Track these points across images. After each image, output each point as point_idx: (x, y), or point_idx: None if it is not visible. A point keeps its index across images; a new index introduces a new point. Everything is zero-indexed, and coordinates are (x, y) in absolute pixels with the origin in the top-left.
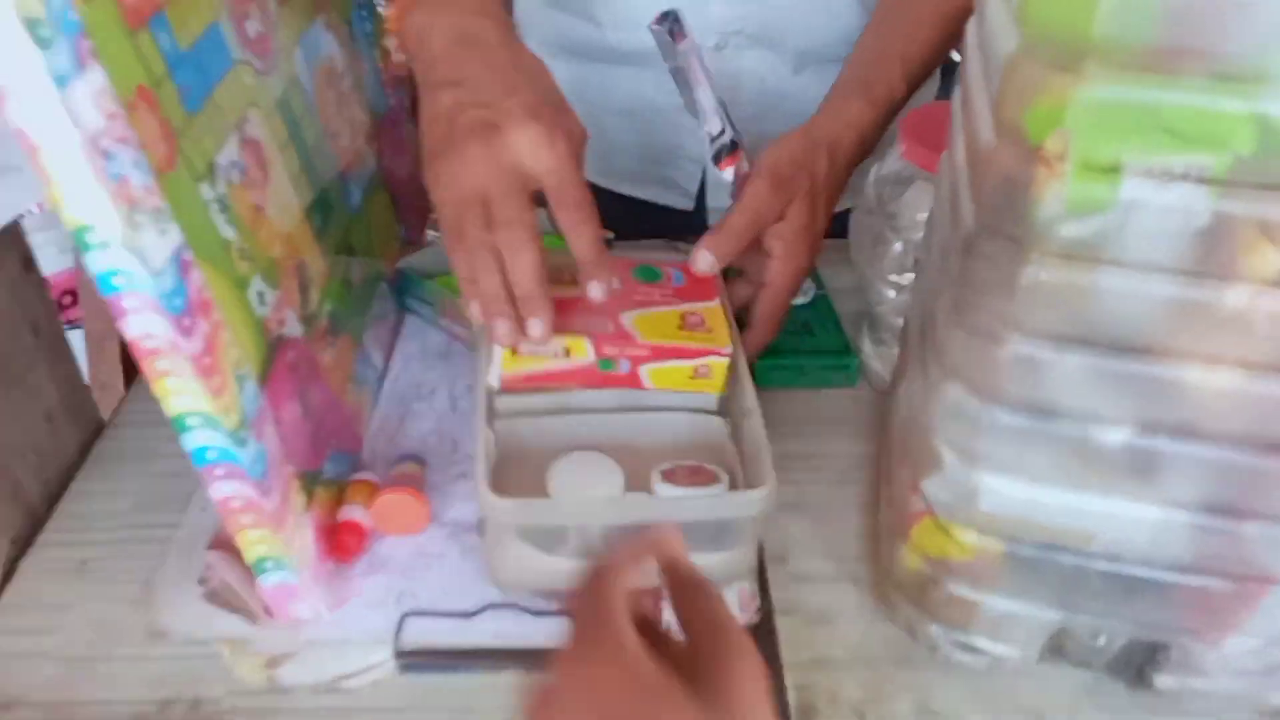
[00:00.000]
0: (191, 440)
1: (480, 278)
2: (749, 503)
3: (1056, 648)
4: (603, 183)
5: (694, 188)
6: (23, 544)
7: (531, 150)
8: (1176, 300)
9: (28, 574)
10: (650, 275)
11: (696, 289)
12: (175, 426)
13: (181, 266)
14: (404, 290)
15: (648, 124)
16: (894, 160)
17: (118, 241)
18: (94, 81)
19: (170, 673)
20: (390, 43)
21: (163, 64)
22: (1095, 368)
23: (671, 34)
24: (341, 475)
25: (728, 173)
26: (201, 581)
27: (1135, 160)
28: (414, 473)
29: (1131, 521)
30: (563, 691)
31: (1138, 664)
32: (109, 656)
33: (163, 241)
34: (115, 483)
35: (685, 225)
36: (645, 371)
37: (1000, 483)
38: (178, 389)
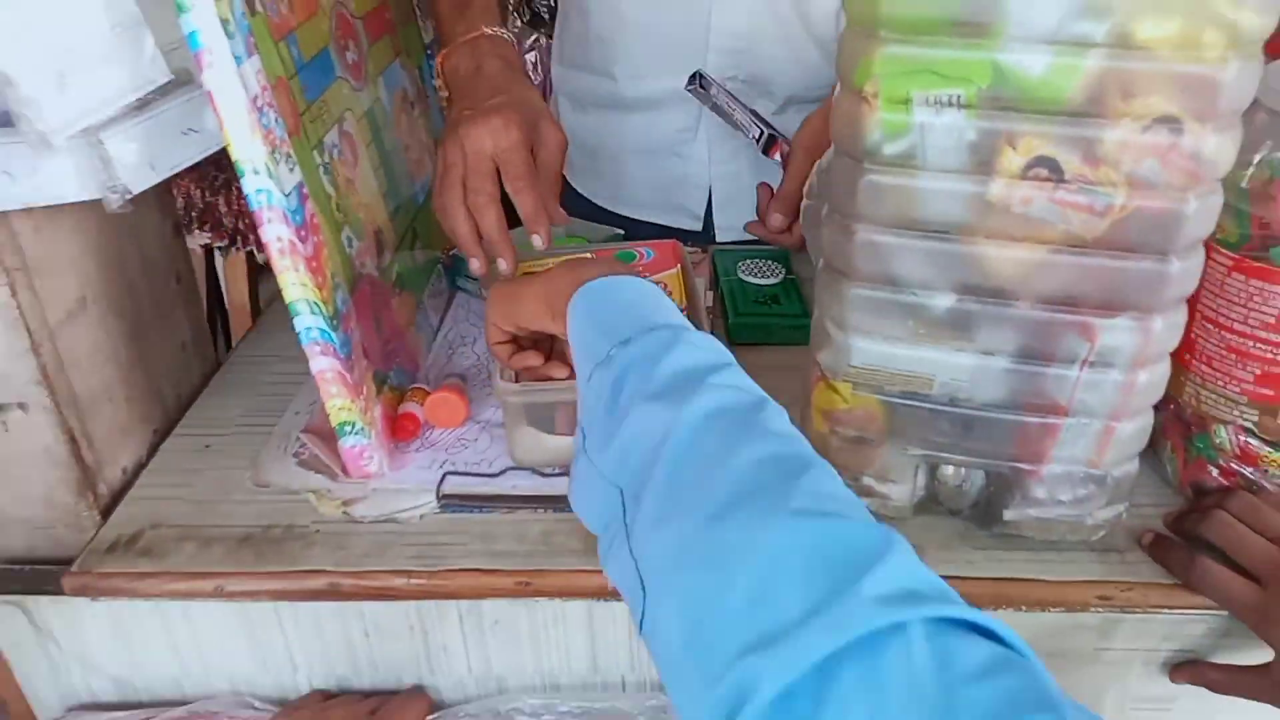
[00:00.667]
0: (301, 322)
1: (458, 229)
2: None
3: (932, 497)
4: (625, 211)
5: (701, 211)
6: (163, 434)
7: (490, 136)
8: (963, 193)
9: (167, 452)
10: (627, 257)
11: (661, 262)
12: (290, 311)
13: (301, 196)
14: (455, 272)
15: (659, 160)
16: (831, 155)
17: (264, 170)
18: (255, 64)
19: (271, 510)
20: (438, 82)
21: (293, 66)
22: (920, 248)
23: (703, 87)
24: (402, 384)
25: (777, 157)
26: (295, 455)
27: (918, 95)
28: (458, 384)
29: (958, 367)
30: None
31: (992, 506)
32: (226, 500)
33: (290, 176)
34: (229, 398)
35: (697, 243)
36: None
37: (864, 343)
38: (294, 281)
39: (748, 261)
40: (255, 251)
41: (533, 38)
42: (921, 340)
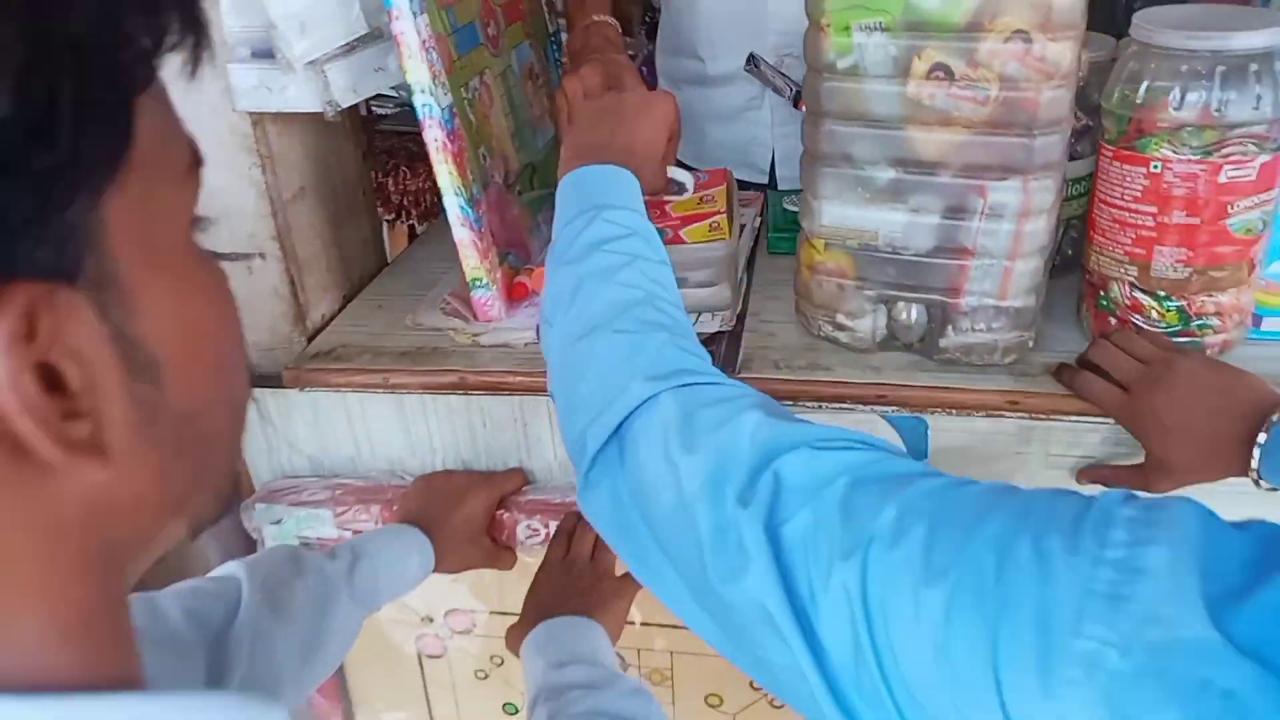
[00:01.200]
0: (449, 200)
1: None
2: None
3: (891, 335)
4: (707, 168)
5: (766, 166)
6: (348, 298)
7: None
8: (890, 93)
9: (352, 307)
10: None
11: (713, 182)
12: (443, 192)
13: (451, 114)
14: None
15: (733, 125)
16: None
17: (428, 90)
18: (425, 20)
19: (422, 338)
20: (564, 58)
21: (450, 27)
22: (865, 134)
23: (755, 65)
24: (517, 264)
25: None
26: (440, 307)
27: (855, 24)
28: None
29: (895, 223)
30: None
31: (931, 337)
32: (392, 333)
33: (445, 98)
34: (396, 280)
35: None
36: (683, 233)
37: (829, 208)
38: (445, 170)
39: (789, 197)
40: (415, 225)
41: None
42: (869, 203)
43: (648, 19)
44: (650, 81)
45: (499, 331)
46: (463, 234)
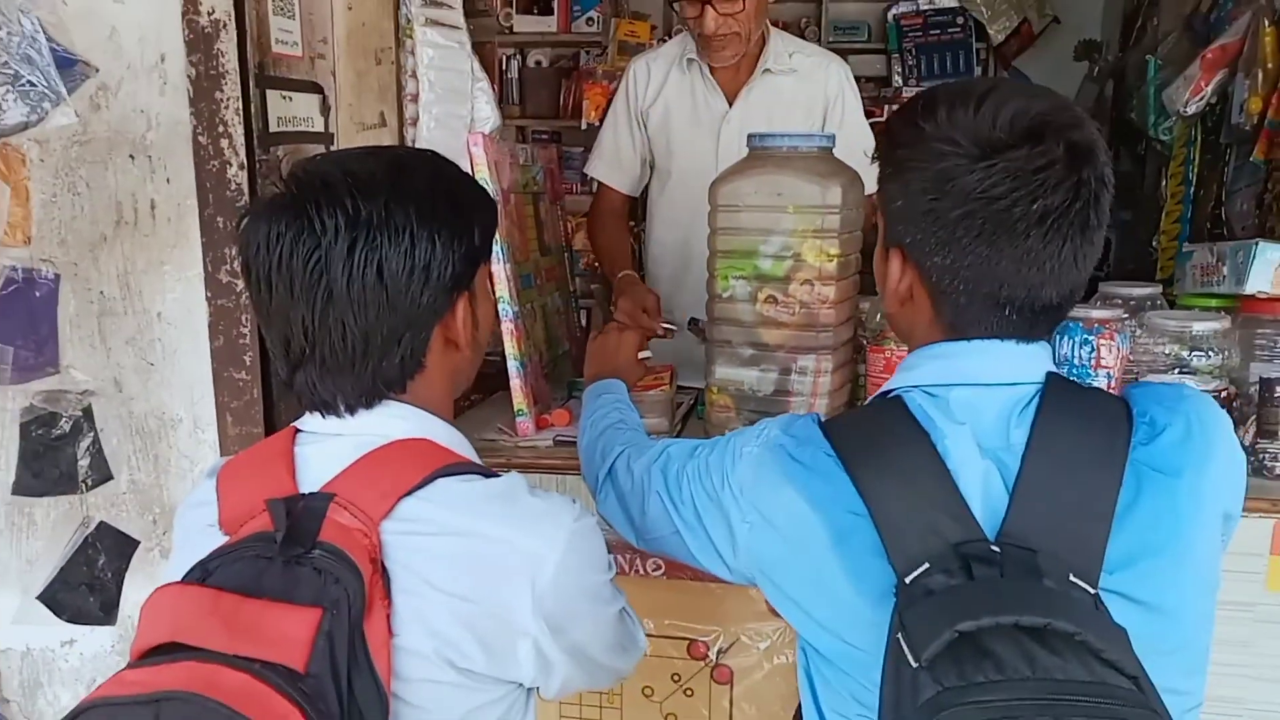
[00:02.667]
0: (510, 365)
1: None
2: None
3: None
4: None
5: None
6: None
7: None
8: (750, 309)
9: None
10: None
11: (663, 371)
12: (507, 359)
13: (517, 315)
14: (571, 387)
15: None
16: None
17: (507, 301)
18: (507, 265)
19: (483, 446)
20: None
21: (518, 271)
22: (739, 331)
23: (695, 322)
24: (543, 410)
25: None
26: (497, 428)
27: (731, 274)
28: (570, 409)
29: (754, 377)
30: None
31: None
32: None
33: (515, 307)
34: (464, 423)
35: None
36: (646, 392)
37: (720, 368)
38: (510, 345)
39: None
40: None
41: None
42: (740, 366)
43: None
44: None
45: (530, 441)
46: (515, 383)
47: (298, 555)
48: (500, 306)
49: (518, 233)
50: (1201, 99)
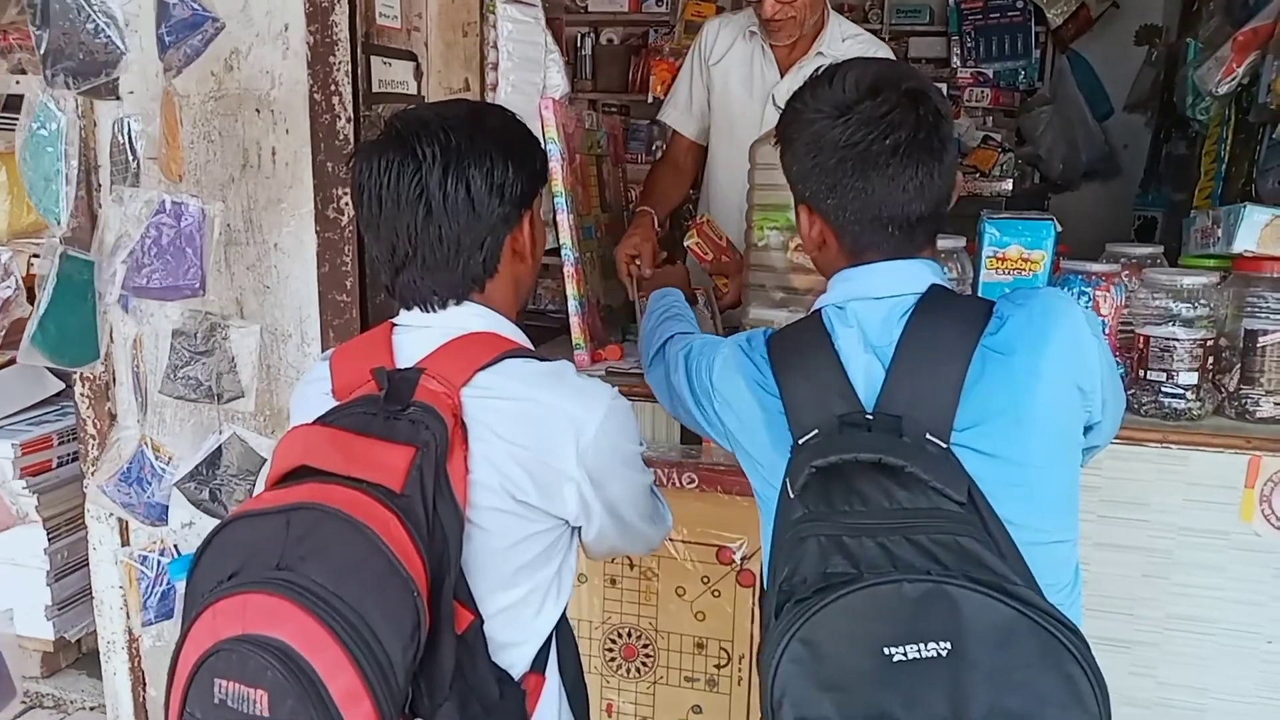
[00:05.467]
0: (571, 304)
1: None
2: None
3: None
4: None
5: None
6: None
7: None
8: (782, 256)
9: None
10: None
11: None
12: (569, 298)
13: (577, 260)
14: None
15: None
16: None
17: (569, 247)
18: (571, 215)
19: None
20: None
21: (580, 222)
22: (770, 277)
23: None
24: (599, 344)
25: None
26: None
27: (766, 226)
28: (621, 345)
29: (784, 318)
30: None
31: None
32: None
33: (575, 253)
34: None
35: None
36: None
37: (754, 309)
38: (571, 286)
39: None
40: None
41: None
42: (773, 307)
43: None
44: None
45: (586, 371)
46: (575, 320)
47: (396, 411)
48: (563, 252)
49: (581, 189)
50: (1233, 80)
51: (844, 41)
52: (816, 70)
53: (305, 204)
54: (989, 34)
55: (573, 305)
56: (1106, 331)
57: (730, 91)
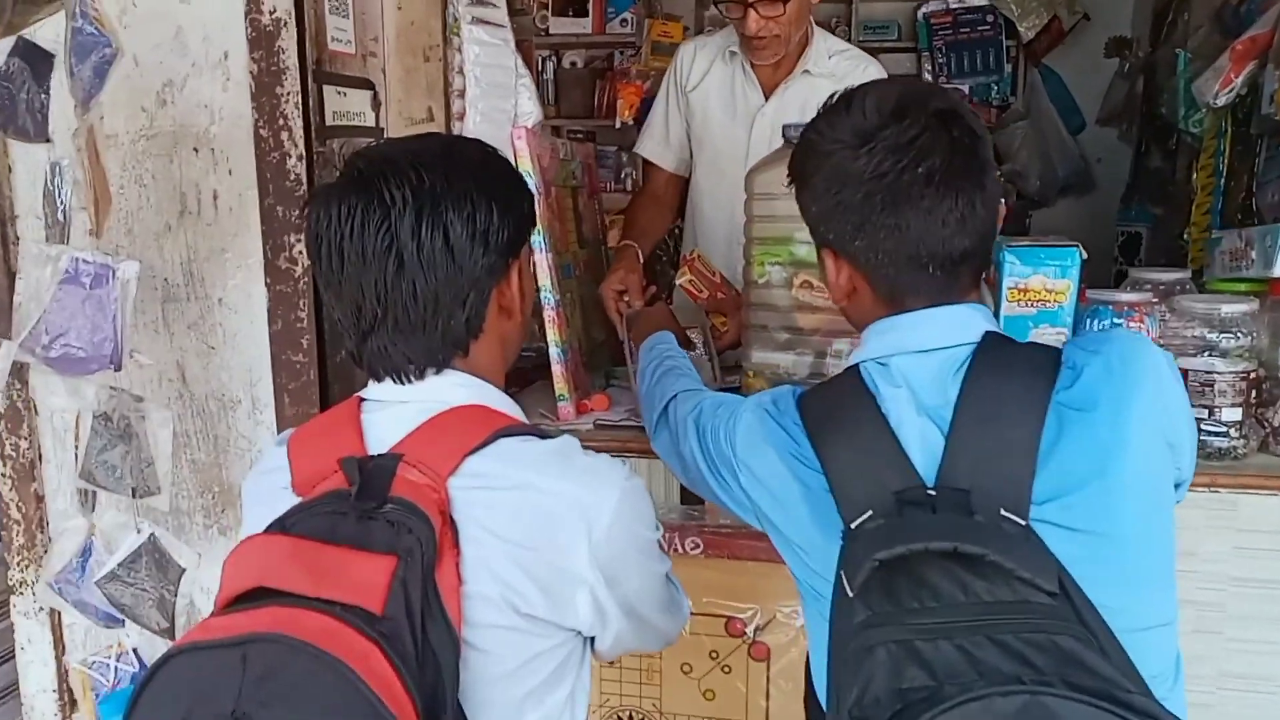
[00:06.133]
0: (552, 351)
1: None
2: None
3: None
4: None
5: None
6: None
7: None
8: (786, 295)
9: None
10: None
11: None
12: (549, 345)
13: (558, 304)
14: (609, 375)
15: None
16: None
17: (549, 290)
18: (550, 255)
19: None
20: None
21: (559, 262)
22: (774, 316)
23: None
24: (583, 395)
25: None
26: (539, 413)
27: (767, 261)
28: (609, 394)
29: (790, 360)
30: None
31: None
32: None
33: (555, 295)
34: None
35: None
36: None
37: (756, 353)
38: (552, 333)
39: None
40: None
41: None
42: (776, 350)
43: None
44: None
45: (572, 425)
46: (557, 369)
47: (371, 509)
48: (542, 295)
49: (558, 224)
50: (1231, 90)
51: (830, 59)
52: (830, 97)
53: (253, 253)
54: (960, 49)
55: (554, 353)
56: None
57: (711, 118)
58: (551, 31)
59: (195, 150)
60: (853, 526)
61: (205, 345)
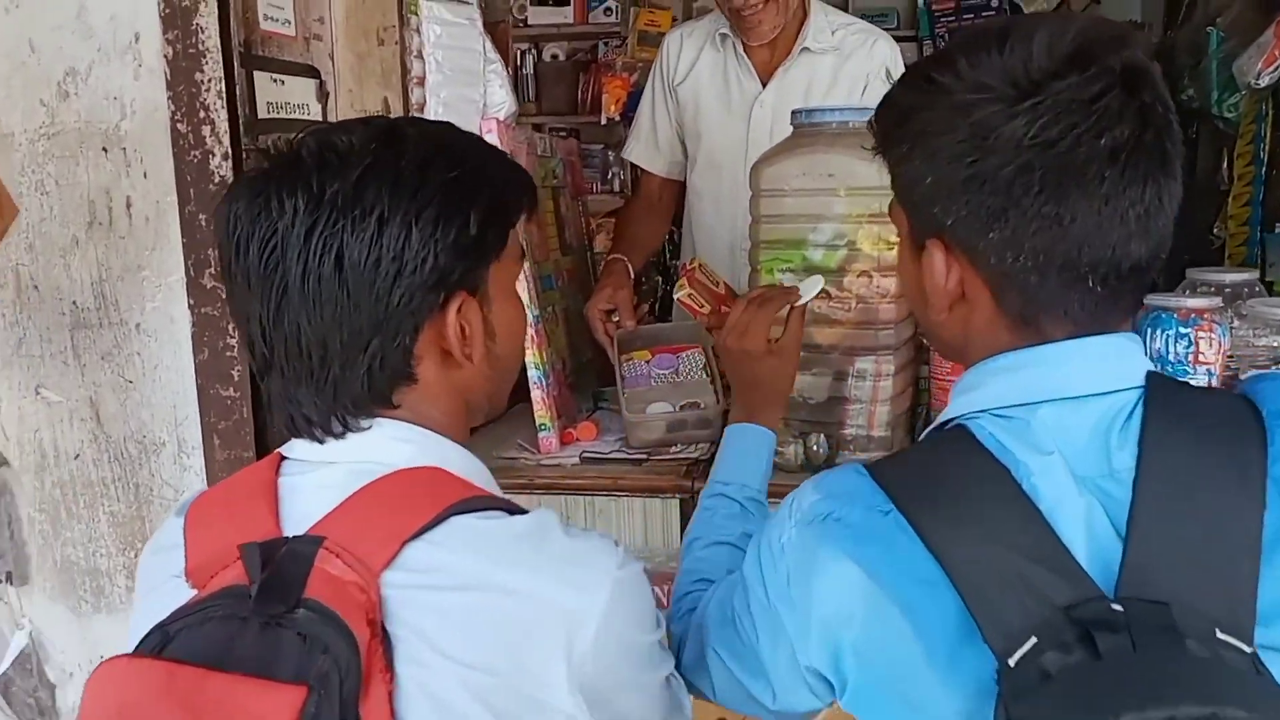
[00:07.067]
0: (531, 374)
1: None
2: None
3: (807, 460)
4: None
5: None
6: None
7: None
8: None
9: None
10: None
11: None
12: (527, 367)
13: (538, 320)
14: (598, 398)
15: None
16: None
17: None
18: (528, 266)
19: (503, 464)
20: None
21: (540, 274)
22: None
23: None
24: (568, 423)
25: None
26: (518, 444)
27: (777, 267)
28: (597, 421)
29: (806, 382)
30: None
31: (830, 461)
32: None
33: (535, 310)
34: (482, 438)
35: None
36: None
37: None
38: (530, 354)
39: None
40: None
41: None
42: None
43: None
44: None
45: (555, 458)
46: (537, 395)
47: (278, 615)
48: None
49: (536, 230)
50: (1276, 69)
51: (834, 33)
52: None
53: (174, 270)
54: None
55: (534, 376)
56: (1214, 382)
57: (704, 113)
58: (530, 22)
59: (104, 150)
60: (1012, 664)
61: (122, 378)
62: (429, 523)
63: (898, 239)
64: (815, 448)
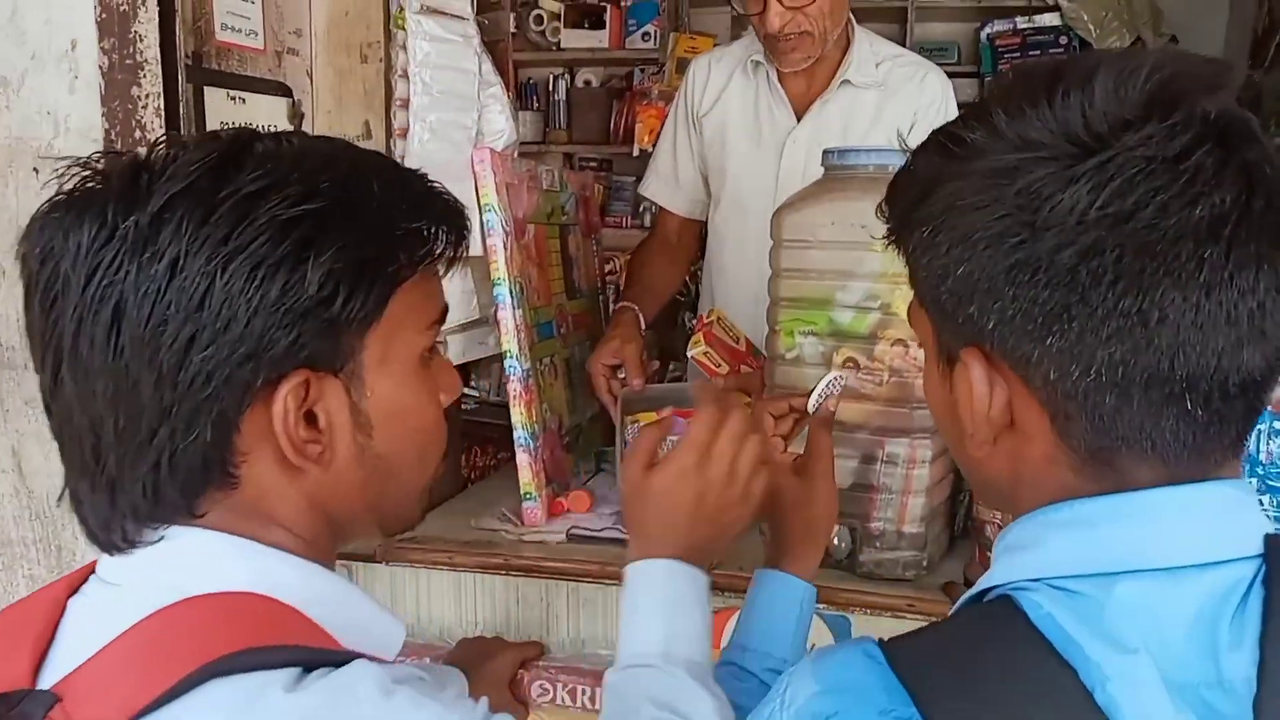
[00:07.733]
0: (517, 434)
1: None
2: None
3: (826, 555)
4: None
5: None
6: (434, 506)
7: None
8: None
9: (434, 514)
10: None
11: None
12: (513, 427)
13: (527, 374)
14: (600, 460)
15: None
16: None
17: (515, 358)
18: (519, 313)
19: (482, 536)
20: None
21: (534, 320)
22: None
23: None
24: (559, 490)
25: None
26: (498, 516)
27: (797, 330)
28: (589, 491)
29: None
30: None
31: (854, 556)
32: (463, 529)
33: (525, 364)
34: (463, 503)
35: None
36: None
37: None
38: (518, 412)
39: None
40: None
41: None
42: None
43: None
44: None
45: (539, 532)
46: (523, 458)
47: None
48: (508, 364)
49: (535, 271)
50: None
51: (879, 66)
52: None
53: None
54: None
55: (519, 438)
56: None
57: (731, 147)
58: (564, 46)
59: (35, 171)
60: None
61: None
62: (173, 687)
63: (920, 347)
64: (836, 541)
